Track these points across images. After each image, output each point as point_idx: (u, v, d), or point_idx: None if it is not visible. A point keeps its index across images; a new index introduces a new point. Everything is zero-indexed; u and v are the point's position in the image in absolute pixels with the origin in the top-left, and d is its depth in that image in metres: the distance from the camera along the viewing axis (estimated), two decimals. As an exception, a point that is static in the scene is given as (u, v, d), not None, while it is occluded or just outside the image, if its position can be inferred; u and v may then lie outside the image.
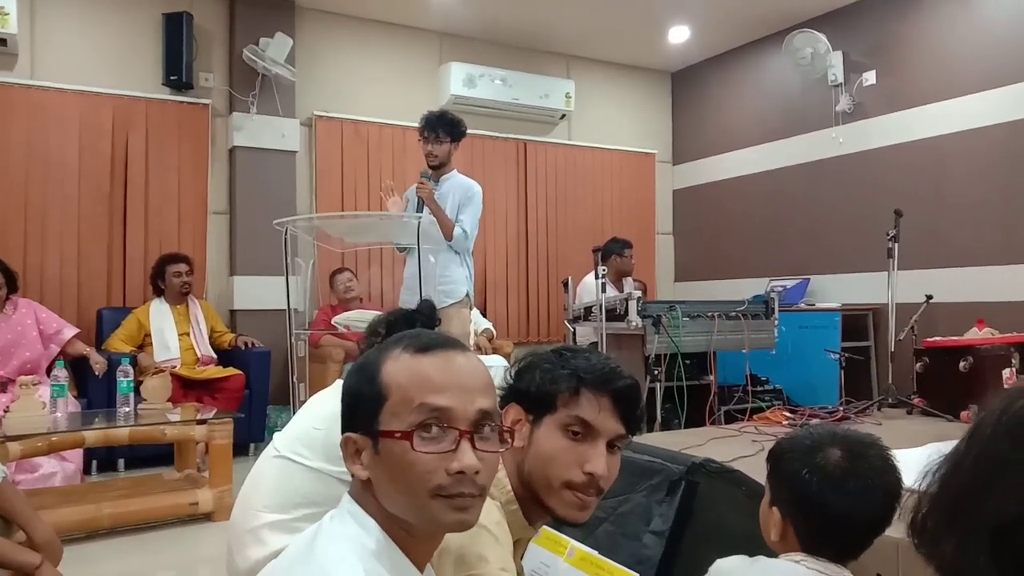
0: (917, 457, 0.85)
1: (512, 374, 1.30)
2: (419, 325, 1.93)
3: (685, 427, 3.97)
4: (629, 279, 5.61)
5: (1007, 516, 0.65)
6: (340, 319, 3.75)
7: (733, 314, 4.38)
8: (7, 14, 4.58)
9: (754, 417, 3.73)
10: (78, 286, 4.85)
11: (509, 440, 1.03)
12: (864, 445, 1.26)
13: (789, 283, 5.84)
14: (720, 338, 4.29)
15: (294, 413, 3.00)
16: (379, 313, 3.82)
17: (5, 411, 3.23)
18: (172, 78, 5.10)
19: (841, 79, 5.58)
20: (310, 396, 3.54)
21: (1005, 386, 3.64)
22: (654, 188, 7.14)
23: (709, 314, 4.31)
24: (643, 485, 1.76)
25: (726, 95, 6.71)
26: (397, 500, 0.94)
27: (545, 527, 1.90)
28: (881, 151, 5.41)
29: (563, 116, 6.57)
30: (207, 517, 3.23)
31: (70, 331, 4.37)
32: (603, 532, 1.76)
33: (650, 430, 4.00)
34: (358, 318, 3.61)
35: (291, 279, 3.78)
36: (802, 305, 5.60)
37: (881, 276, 4.32)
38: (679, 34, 6.24)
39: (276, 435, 1.93)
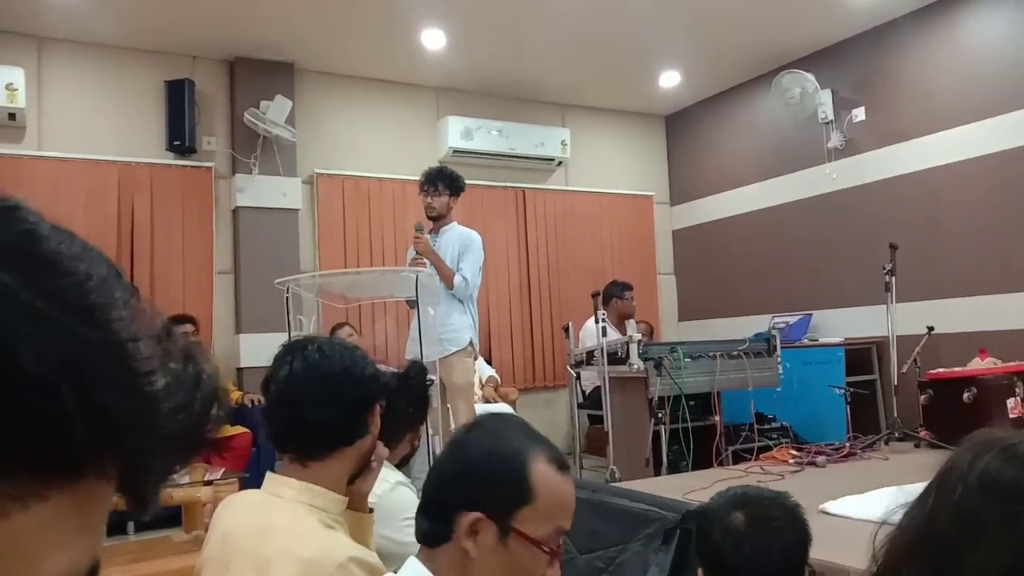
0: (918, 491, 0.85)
1: None
2: (410, 386, 1.97)
3: (692, 468, 3.96)
4: (632, 321, 5.64)
5: (990, 573, 0.66)
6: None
7: (735, 353, 4.39)
8: (16, 89, 4.72)
9: (761, 456, 3.74)
10: (87, 350, 4.90)
11: None
12: (767, 506, 1.34)
13: (792, 319, 5.85)
14: (723, 378, 4.30)
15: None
16: (381, 366, 3.86)
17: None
18: (176, 143, 5.23)
19: (831, 116, 5.67)
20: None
21: (1010, 416, 3.64)
22: (653, 229, 7.21)
23: (711, 354, 4.33)
24: (640, 534, 1.77)
25: (719, 136, 6.81)
26: None
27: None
28: (875, 185, 5.47)
29: (560, 163, 6.67)
30: (216, 579, 3.22)
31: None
32: (602, 582, 1.77)
33: (656, 473, 3.99)
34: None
35: (295, 336, 3.82)
36: (805, 341, 5.61)
37: (883, 309, 4.34)
38: (670, 79, 6.36)
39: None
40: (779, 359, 4.52)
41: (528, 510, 1.05)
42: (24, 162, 4.88)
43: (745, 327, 6.00)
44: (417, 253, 4.08)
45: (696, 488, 2.95)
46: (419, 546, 1.12)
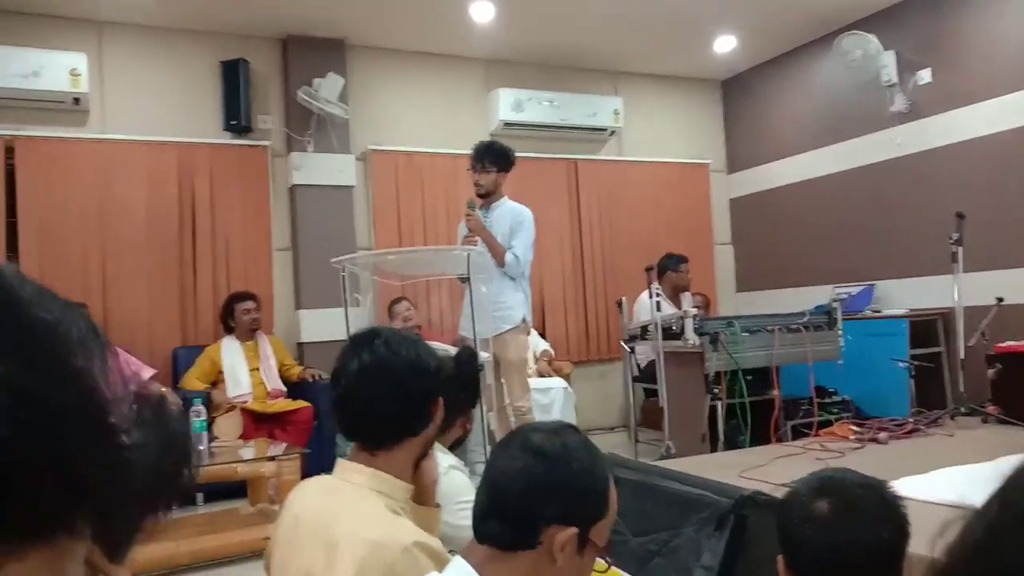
0: (988, 473, 0.80)
1: None
2: (460, 371, 1.99)
3: (750, 444, 3.92)
4: (687, 294, 5.56)
5: None
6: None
7: (794, 327, 4.31)
8: (79, 75, 4.85)
9: (820, 432, 3.67)
10: (153, 327, 5.07)
11: None
12: (858, 495, 1.25)
13: (854, 289, 5.71)
14: (782, 352, 4.23)
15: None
16: (436, 344, 3.89)
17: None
18: (232, 123, 5.31)
19: (895, 79, 5.45)
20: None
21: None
22: (710, 198, 7.08)
23: (769, 328, 4.26)
24: (693, 519, 1.77)
25: (778, 101, 6.62)
26: None
27: (599, 561, 1.92)
28: (941, 150, 5.27)
29: (612, 133, 6.58)
30: (280, 551, 3.32)
31: (147, 372, 4.57)
32: (656, 566, 1.77)
33: (713, 449, 3.97)
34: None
35: (353, 312, 3.87)
36: (868, 312, 5.47)
37: (949, 279, 4.20)
38: (725, 43, 6.19)
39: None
40: (840, 332, 4.42)
41: (603, 522, 1.12)
42: (89, 145, 5.02)
43: (805, 298, 5.88)
44: (469, 230, 4.08)
45: (753, 466, 2.92)
46: (471, 540, 1.14)
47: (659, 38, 6.02)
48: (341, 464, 1.50)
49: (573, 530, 1.07)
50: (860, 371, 4.65)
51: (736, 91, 7.06)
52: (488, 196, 4.17)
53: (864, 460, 3.07)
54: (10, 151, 4.81)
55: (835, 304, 4.52)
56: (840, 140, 6.01)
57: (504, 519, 1.10)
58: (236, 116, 5.30)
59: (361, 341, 1.49)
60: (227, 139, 5.40)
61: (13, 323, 0.35)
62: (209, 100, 5.37)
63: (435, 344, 3.70)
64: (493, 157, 4.10)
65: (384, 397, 1.43)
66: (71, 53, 4.85)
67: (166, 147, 5.19)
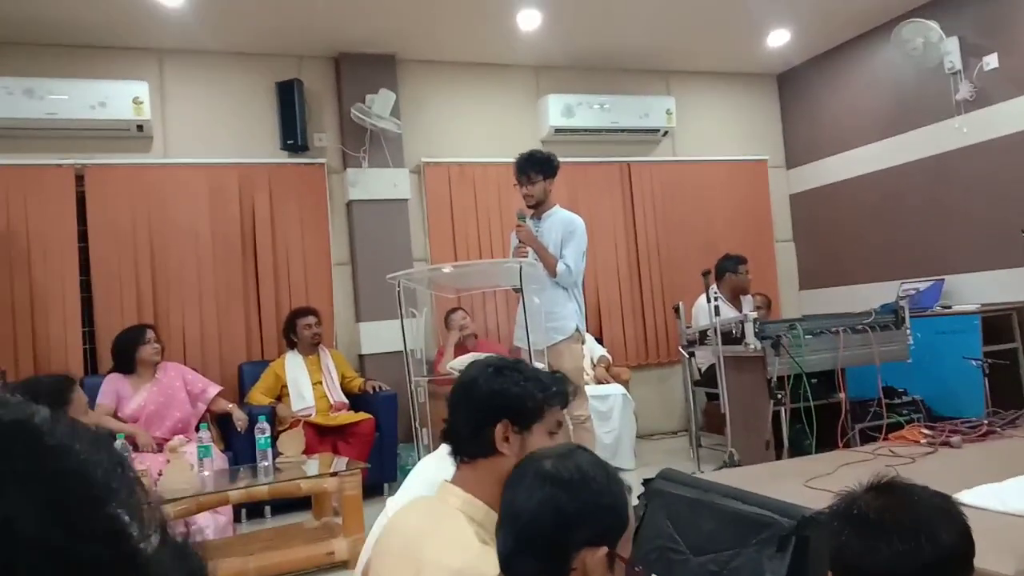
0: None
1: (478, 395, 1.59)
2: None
3: (816, 449, 3.83)
4: (748, 296, 5.46)
5: None
6: (455, 364, 3.85)
7: (860, 327, 4.20)
8: (141, 103, 5.02)
9: (890, 436, 3.56)
10: (220, 343, 5.21)
11: None
12: (911, 505, 1.16)
13: (921, 285, 5.52)
14: (848, 354, 4.12)
15: (419, 458, 3.12)
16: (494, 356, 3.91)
17: (159, 474, 3.53)
18: (289, 142, 5.43)
19: (959, 65, 5.26)
20: (432, 439, 3.66)
21: None
22: (768, 195, 6.94)
23: (833, 329, 4.15)
24: (754, 539, 1.73)
25: (836, 93, 6.45)
26: None
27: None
28: (1009, 138, 5.05)
29: (665, 133, 6.51)
30: (344, 565, 3.39)
31: (214, 389, 4.71)
32: (716, 588, 1.74)
33: (778, 456, 3.89)
34: (472, 363, 3.70)
35: (411, 322, 3.91)
36: (937, 308, 5.28)
37: (1022, 272, 4.03)
38: (779, 37, 6.07)
39: (389, 500, 2.02)
40: (908, 331, 4.28)
41: (625, 535, 1.12)
42: (153, 170, 5.20)
43: (871, 294, 5.72)
44: (520, 242, 4.08)
45: (819, 474, 2.84)
46: None
47: (711, 35, 5.92)
48: (443, 485, 1.54)
49: (604, 550, 1.08)
50: (931, 370, 4.50)
51: (792, 85, 6.91)
52: (539, 205, 4.15)
53: (936, 467, 2.97)
54: (80, 179, 5.02)
55: (902, 302, 4.38)
56: (902, 131, 5.82)
57: (534, 554, 1.09)
58: (293, 135, 5.41)
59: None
60: (284, 158, 5.52)
61: (37, 474, 0.36)
62: (266, 121, 5.50)
63: (490, 356, 3.71)
64: (537, 166, 4.07)
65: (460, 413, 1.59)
66: (134, 82, 5.02)
67: (226, 169, 5.34)
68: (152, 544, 0.39)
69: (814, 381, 4.08)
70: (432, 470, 1.94)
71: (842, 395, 4.06)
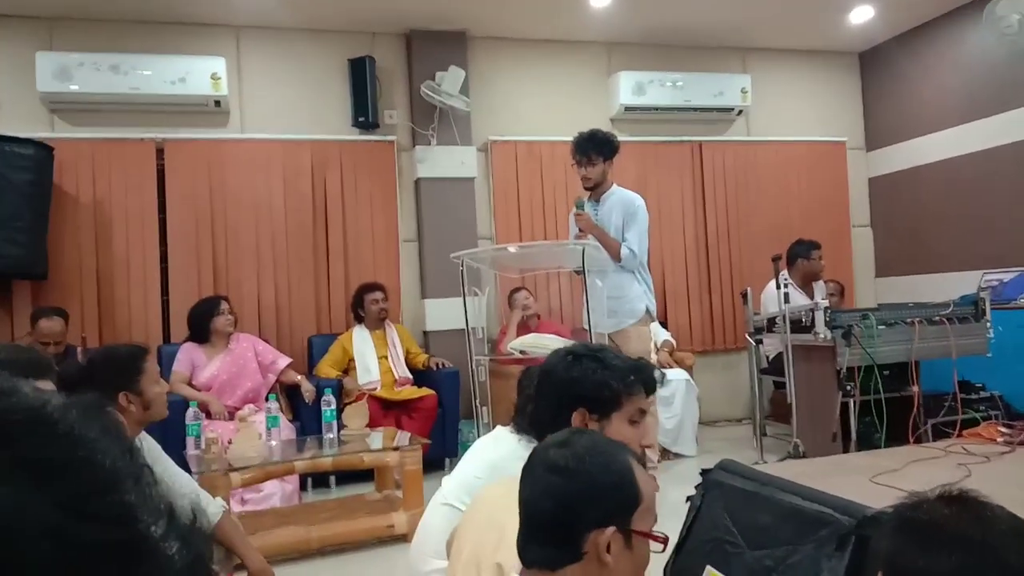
0: None
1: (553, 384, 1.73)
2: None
3: (886, 444, 3.72)
4: (820, 283, 5.32)
5: None
6: (516, 344, 3.87)
7: (936, 319, 4.05)
8: (219, 78, 5.14)
9: (964, 433, 3.43)
10: (290, 316, 5.35)
11: None
12: (973, 519, 1.04)
13: (1005, 276, 5.27)
14: (922, 346, 3.98)
15: (479, 435, 3.15)
16: (554, 338, 3.91)
17: (229, 442, 3.65)
18: (360, 119, 5.49)
19: (1058, 45, 4.96)
20: (492, 418, 3.69)
21: None
22: (846, 178, 6.71)
23: (909, 320, 4.01)
24: (812, 536, 1.70)
25: (922, 73, 6.17)
26: None
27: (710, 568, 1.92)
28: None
29: (740, 112, 6.34)
30: (403, 538, 3.46)
31: (284, 361, 4.84)
32: (771, 585, 1.71)
33: (845, 449, 3.79)
34: (533, 343, 3.72)
35: (474, 300, 3.92)
36: (1021, 301, 5.03)
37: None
38: (862, 14, 5.83)
39: (445, 479, 2.05)
40: (989, 323, 4.11)
41: (640, 510, 1.14)
42: (230, 145, 5.33)
43: (952, 284, 5.49)
44: (580, 230, 4.01)
45: (887, 469, 2.76)
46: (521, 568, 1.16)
47: (790, 11, 5.73)
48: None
49: (611, 529, 1.10)
50: (1011, 365, 4.30)
51: (875, 64, 6.63)
52: (597, 187, 4.09)
53: (1012, 468, 2.85)
54: (160, 152, 5.19)
55: (983, 294, 4.19)
56: (991, 114, 5.54)
57: (543, 541, 1.13)
58: (364, 112, 5.47)
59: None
60: (356, 135, 5.58)
61: (49, 462, 0.38)
62: (338, 97, 5.57)
63: (551, 336, 3.71)
64: (598, 147, 3.99)
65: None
66: (212, 58, 5.15)
67: (299, 144, 5.44)
68: (160, 528, 0.40)
69: (886, 373, 3.96)
70: (490, 452, 1.96)
71: (915, 388, 3.92)
